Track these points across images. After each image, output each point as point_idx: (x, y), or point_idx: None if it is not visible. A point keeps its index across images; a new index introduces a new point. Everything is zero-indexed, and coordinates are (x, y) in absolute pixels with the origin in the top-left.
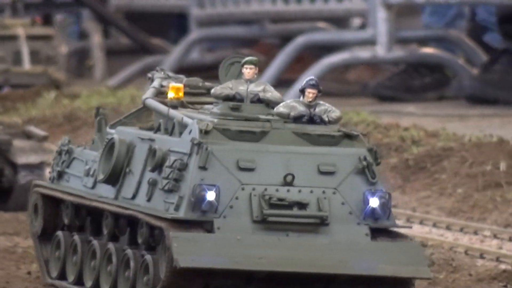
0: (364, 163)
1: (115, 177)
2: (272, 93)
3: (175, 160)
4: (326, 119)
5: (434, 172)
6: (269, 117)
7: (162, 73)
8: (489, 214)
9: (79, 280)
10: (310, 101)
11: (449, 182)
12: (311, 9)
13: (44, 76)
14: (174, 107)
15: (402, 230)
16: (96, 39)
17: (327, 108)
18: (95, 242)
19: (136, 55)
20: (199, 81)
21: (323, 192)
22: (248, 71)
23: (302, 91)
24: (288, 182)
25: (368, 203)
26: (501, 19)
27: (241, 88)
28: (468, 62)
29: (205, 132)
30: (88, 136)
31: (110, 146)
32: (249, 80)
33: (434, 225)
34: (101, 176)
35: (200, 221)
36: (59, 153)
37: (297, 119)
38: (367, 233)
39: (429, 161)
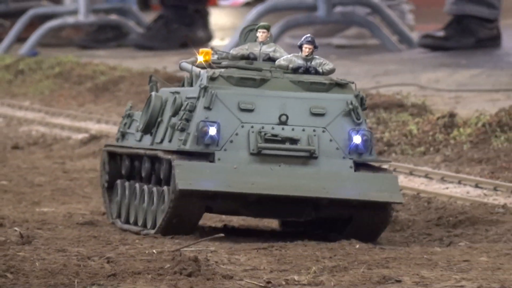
0: (351, 106)
1: (151, 126)
2: (281, 53)
3: (187, 104)
4: (321, 71)
5: (114, 91)
6: (272, 68)
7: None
8: None
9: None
10: (306, 55)
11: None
12: None
13: None
14: (202, 67)
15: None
16: None
17: (322, 62)
18: (137, 185)
19: None
20: None
21: (314, 130)
22: (261, 34)
23: (300, 47)
24: (282, 121)
25: (352, 140)
26: None
27: (255, 49)
28: (138, 24)
29: (211, 79)
30: None
31: (148, 101)
32: (262, 42)
33: None
34: (140, 126)
35: (204, 153)
36: (124, 117)
37: (295, 70)
38: (351, 165)
39: (111, 84)
